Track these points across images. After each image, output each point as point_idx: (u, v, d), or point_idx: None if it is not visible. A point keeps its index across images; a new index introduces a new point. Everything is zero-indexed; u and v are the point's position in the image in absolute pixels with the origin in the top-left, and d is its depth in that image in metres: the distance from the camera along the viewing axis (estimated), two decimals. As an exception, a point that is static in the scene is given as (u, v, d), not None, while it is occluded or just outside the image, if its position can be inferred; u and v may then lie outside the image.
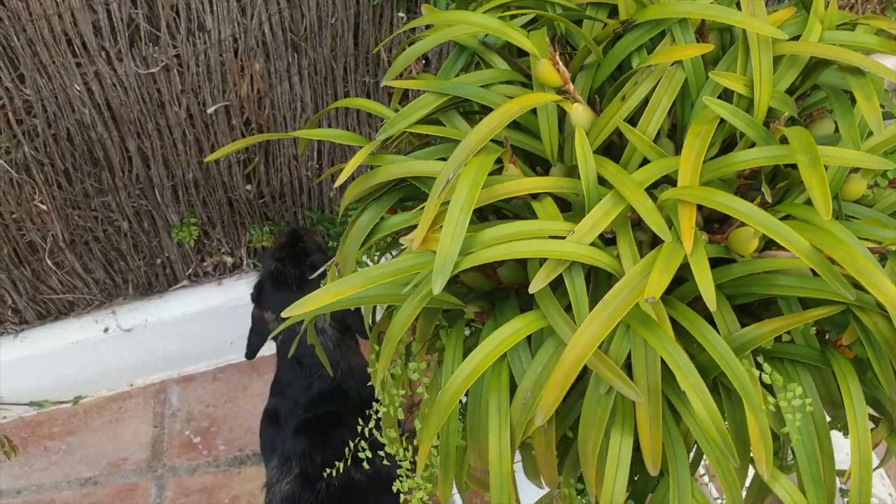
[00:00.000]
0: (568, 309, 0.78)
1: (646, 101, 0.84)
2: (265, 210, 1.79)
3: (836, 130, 0.83)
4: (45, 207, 1.59)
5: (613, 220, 0.75)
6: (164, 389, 1.97)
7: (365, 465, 1.41)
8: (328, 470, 1.43)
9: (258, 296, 1.57)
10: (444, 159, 0.93)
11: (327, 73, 1.54)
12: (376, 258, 1.07)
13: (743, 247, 0.75)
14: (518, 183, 0.81)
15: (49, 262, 1.72)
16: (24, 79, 1.37)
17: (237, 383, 1.97)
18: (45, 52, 1.33)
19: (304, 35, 1.46)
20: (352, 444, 1.46)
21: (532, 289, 0.75)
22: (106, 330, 1.86)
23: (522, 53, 0.98)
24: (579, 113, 0.86)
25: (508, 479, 0.81)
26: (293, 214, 1.82)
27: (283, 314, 0.82)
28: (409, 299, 0.82)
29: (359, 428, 1.50)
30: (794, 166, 0.76)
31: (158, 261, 1.83)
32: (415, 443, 0.97)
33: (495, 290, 0.91)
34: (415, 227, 0.94)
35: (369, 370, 1.05)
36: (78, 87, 1.40)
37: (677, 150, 0.84)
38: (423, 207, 0.86)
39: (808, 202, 0.81)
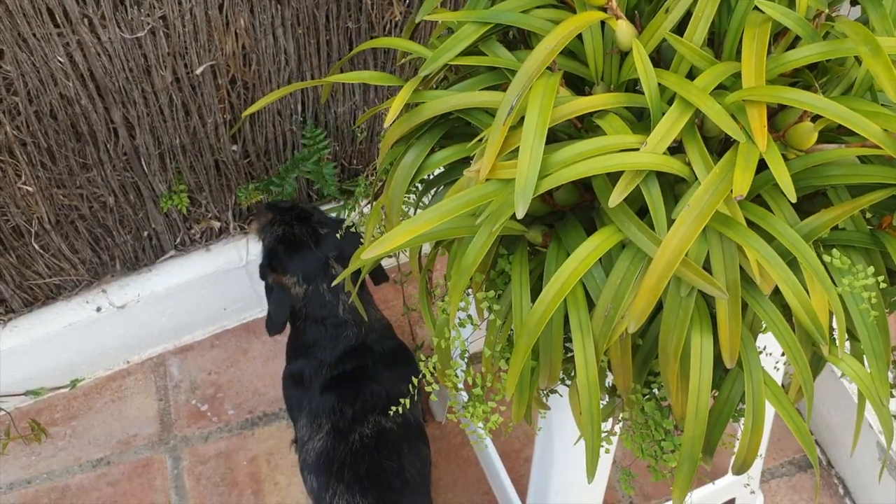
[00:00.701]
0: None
1: (688, 13, 0.87)
2: (250, 170, 1.77)
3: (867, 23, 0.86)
4: (30, 189, 1.54)
5: (682, 127, 0.78)
6: (163, 362, 1.95)
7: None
8: (361, 422, 1.46)
9: (270, 263, 1.56)
10: (490, 89, 0.94)
11: (310, 22, 1.52)
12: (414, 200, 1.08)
13: (803, 141, 0.79)
14: (578, 102, 0.82)
15: (36, 246, 1.67)
16: (3, 54, 1.31)
17: (236, 348, 1.96)
18: (25, 24, 1.28)
19: (286, -15, 1.43)
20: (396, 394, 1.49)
21: (611, 203, 0.77)
22: (98, 309, 1.83)
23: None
24: (624, 29, 0.88)
25: (595, 385, 0.84)
26: (277, 171, 1.80)
27: (364, 256, 0.83)
28: (481, 229, 0.84)
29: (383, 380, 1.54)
30: (834, 60, 0.80)
31: (145, 233, 1.80)
32: (482, 370, 0.99)
33: (550, 214, 0.94)
34: (465, 160, 0.96)
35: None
36: (60, 59, 1.35)
37: (717, 58, 0.88)
38: (478, 140, 0.88)
39: (846, 93, 0.86)
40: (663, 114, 0.80)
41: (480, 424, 0.99)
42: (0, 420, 1.85)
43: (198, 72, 1.46)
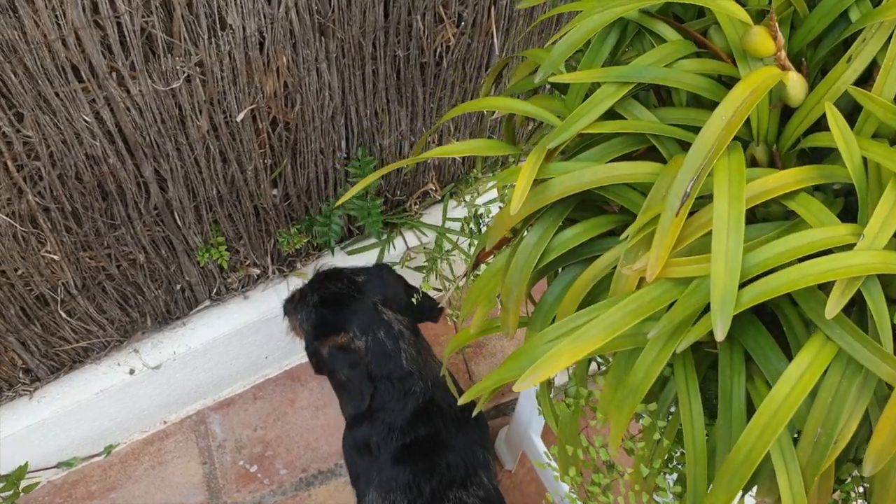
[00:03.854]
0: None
1: (873, 63, 0.72)
2: (290, 212, 1.61)
3: None
4: (55, 257, 1.39)
5: (905, 213, 0.63)
6: (203, 420, 1.80)
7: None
8: (441, 499, 1.32)
9: (319, 333, 1.39)
10: (624, 158, 0.80)
11: (355, 53, 1.36)
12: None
13: None
14: (765, 182, 0.68)
15: (62, 313, 1.51)
16: (23, 118, 1.15)
17: (281, 398, 1.82)
18: (47, 85, 1.12)
19: (332, 16, 1.27)
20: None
21: (829, 314, 0.63)
22: (132, 371, 1.67)
23: (679, 17, 0.84)
24: (795, 82, 0.73)
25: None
26: (318, 210, 1.64)
27: (519, 386, 0.68)
28: (652, 343, 0.69)
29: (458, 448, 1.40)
30: None
31: (178, 286, 1.64)
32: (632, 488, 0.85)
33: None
34: (599, 239, 0.81)
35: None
36: (86, 118, 1.19)
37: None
38: (635, 230, 0.73)
39: None
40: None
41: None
42: (34, 498, 1.70)
43: (239, 118, 1.29)
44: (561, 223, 0.82)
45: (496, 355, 1.85)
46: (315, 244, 1.71)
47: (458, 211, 1.81)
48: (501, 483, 1.68)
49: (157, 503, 1.70)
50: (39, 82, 1.11)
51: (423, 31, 1.38)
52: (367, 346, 1.40)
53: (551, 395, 0.95)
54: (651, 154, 0.79)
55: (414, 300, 1.39)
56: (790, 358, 0.67)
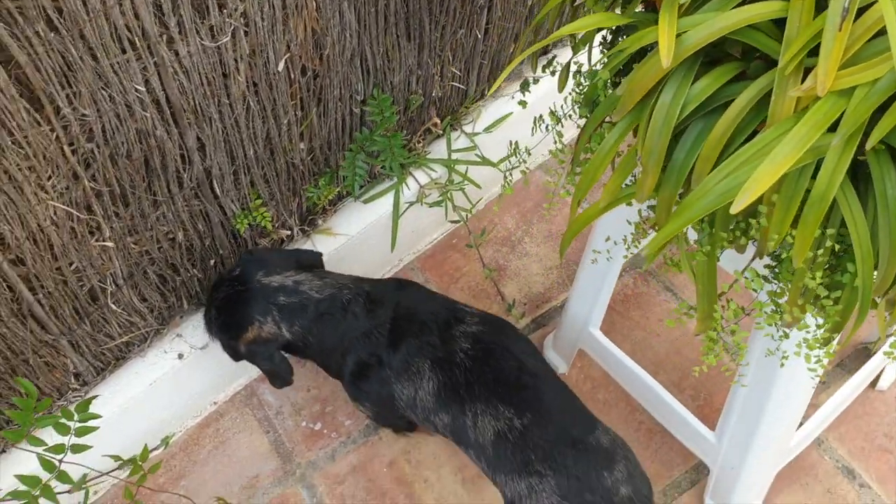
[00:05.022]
0: None
1: None
2: (313, 167, 1.62)
3: None
4: (109, 244, 1.36)
5: None
6: (254, 393, 1.80)
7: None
8: (452, 339, 1.40)
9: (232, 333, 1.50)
10: (745, 2, 0.86)
11: (372, -12, 1.37)
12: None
13: None
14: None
15: (111, 306, 1.48)
16: (80, 95, 1.12)
17: (325, 357, 1.83)
18: (104, 56, 1.09)
19: (353, -50, 1.28)
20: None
21: None
22: (181, 356, 1.66)
23: None
24: None
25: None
26: (336, 162, 1.65)
27: (735, 208, 0.74)
28: (831, 153, 0.76)
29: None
30: None
31: (211, 262, 1.63)
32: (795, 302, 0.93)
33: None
34: (724, 89, 0.87)
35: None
36: (138, 87, 1.17)
37: None
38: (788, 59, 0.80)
39: None
40: None
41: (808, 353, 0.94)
42: (102, 502, 1.67)
43: (279, 67, 1.30)
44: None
45: (520, 274, 1.92)
46: (340, 193, 1.72)
47: (460, 142, 1.85)
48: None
49: (230, 479, 1.69)
50: (98, 54, 1.08)
51: (432, -43, 1.41)
52: (276, 320, 1.46)
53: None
54: (767, -5, 0.85)
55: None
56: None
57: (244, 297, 1.46)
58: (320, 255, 1.60)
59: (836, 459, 1.64)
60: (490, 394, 1.34)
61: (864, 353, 1.74)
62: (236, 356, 1.52)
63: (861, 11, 0.76)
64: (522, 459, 1.29)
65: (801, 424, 1.48)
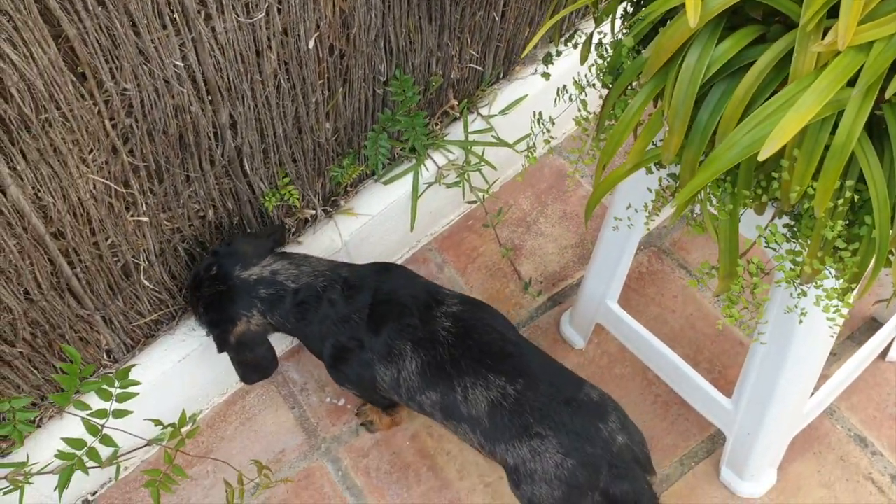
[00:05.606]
0: None
1: None
2: (337, 147, 1.66)
3: None
4: (144, 219, 1.40)
5: None
6: (279, 370, 1.84)
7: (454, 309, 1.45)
8: (432, 320, 1.43)
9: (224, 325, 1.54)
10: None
11: (396, -31, 1.42)
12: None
13: None
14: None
15: (144, 282, 1.53)
16: (122, 69, 1.17)
17: (347, 335, 1.87)
18: (146, 32, 1.14)
19: (380, -68, 1.33)
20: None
21: None
22: (209, 332, 1.70)
23: None
24: None
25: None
26: (358, 142, 1.70)
27: (763, 154, 0.78)
28: (850, 105, 0.81)
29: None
30: None
31: (238, 241, 1.67)
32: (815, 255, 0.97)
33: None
34: (745, 51, 0.91)
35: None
36: (176, 62, 1.21)
37: None
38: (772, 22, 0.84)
39: None
40: None
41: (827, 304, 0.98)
42: (133, 479, 1.72)
43: (310, 45, 1.34)
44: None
45: (536, 253, 1.96)
46: (363, 174, 1.77)
47: (476, 124, 1.90)
48: (575, 364, 1.80)
49: (257, 454, 1.74)
50: (140, 29, 1.13)
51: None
52: (262, 311, 1.50)
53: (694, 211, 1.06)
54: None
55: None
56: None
57: (227, 295, 1.49)
58: (281, 226, 1.65)
59: (848, 428, 1.69)
60: (479, 366, 1.38)
61: (873, 325, 1.79)
62: (226, 348, 1.55)
63: (879, -29, 0.80)
64: (521, 424, 1.33)
65: (813, 393, 1.53)
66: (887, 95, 0.79)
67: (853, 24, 0.78)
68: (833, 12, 0.84)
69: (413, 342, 1.43)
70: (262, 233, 1.60)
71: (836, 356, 1.77)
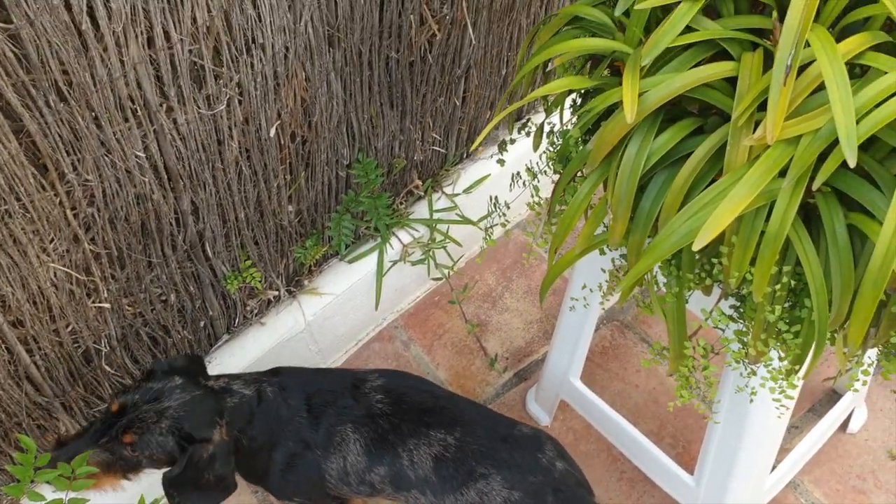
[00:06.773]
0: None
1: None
2: (300, 228, 1.69)
3: None
4: (106, 305, 1.41)
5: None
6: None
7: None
8: (362, 397, 1.43)
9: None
10: (699, 64, 0.95)
11: (356, 60, 1.47)
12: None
13: None
14: (846, 45, 0.84)
15: (105, 367, 1.52)
16: (84, 161, 1.19)
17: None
18: (108, 125, 1.17)
19: (338, 22, 1.38)
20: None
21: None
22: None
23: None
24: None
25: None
26: (322, 223, 1.72)
27: (697, 245, 0.81)
28: (782, 195, 0.84)
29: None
30: None
31: (202, 323, 1.68)
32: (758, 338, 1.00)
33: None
34: (683, 142, 0.96)
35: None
36: (138, 153, 1.24)
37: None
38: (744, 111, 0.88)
39: None
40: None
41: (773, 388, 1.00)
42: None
43: (271, 133, 1.37)
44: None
45: (502, 328, 1.98)
46: (326, 254, 1.79)
47: (441, 202, 1.93)
48: (542, 439, 1.80)
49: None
50: (102, 122, 1.16)
51: (412, 29, 1.51)
52: (222, 435, 1.36)
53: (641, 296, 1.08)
54: (720, 58, 0.95)
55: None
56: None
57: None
58: (192, 356, 1.47)
59: (811, 502, 1.69)
60: (418, 425, 1.41)
61: (834, 397, 1.81)
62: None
63: (802, 69, 0.85)
64: (466, 470, 1.37)
65: (774, 467, 1.54)
66: (814, 188, 0.83)
67: (780, 120, 0.82)
68: (764, 105, 0.88)
69: (353, 423, 1.43)
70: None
71: (798, 429, 1.78)
